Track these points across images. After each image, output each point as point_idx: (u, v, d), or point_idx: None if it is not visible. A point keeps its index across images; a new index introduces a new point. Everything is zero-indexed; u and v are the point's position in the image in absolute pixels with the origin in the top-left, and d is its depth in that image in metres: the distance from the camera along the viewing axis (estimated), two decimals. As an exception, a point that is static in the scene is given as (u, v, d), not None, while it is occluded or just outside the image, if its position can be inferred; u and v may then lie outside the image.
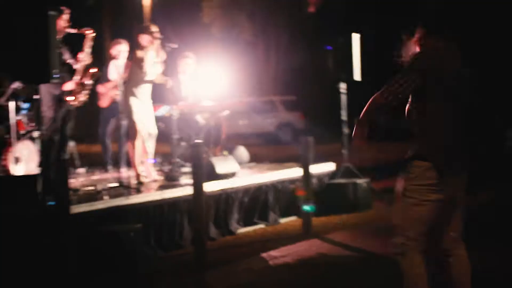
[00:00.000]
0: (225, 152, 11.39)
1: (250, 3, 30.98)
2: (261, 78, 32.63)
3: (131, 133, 9.81)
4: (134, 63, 9.68)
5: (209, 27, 31.46)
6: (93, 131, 13.40)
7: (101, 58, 15.07)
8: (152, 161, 10.04)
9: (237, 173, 10.00)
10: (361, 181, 10.85)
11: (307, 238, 8.94)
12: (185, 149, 10.82)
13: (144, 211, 8.23)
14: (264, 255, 8.13)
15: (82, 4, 27.79)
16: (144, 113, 9.66)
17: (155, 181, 9.74)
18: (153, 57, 9.64)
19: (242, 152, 11.88)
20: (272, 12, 31.08)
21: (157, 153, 10.34)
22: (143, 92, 9.69)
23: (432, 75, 4.83)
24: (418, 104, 4.91)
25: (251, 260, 7.96)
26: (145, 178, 9.65)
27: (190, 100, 10.98)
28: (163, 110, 10.74)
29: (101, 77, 10.60)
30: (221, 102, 11.08)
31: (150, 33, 9.66)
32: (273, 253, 8.20)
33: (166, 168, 10.72)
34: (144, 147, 9.75)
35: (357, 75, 11.19)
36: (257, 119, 27.71)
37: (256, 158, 12.43)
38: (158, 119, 10.21)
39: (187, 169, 10.35)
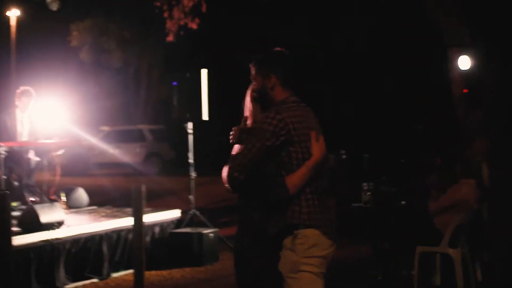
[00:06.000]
0: (62, 194, 10.35)
1: (119, 29, 29.91)
2: (129, 106, 31.58)
3: None
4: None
5: (77, 51, 30.22)
6: None
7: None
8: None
9: (65, 221, 8.91)
10: (208, 231, 9.84)
11: (137, 300, 7.90)
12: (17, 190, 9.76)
13: None
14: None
15: None
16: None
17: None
18: None
19: (80, 194, 10.79)
20: (142, 39, 30.12)
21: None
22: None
23: None
24: None
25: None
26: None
27: (24, 138, 9.97)
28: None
29: None
30: (57, 140, 10.10)
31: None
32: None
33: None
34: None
35: (205, 115, 10.12)
36: (125, 148, 26.57)
37: (103, 199, 11.33)
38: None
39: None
